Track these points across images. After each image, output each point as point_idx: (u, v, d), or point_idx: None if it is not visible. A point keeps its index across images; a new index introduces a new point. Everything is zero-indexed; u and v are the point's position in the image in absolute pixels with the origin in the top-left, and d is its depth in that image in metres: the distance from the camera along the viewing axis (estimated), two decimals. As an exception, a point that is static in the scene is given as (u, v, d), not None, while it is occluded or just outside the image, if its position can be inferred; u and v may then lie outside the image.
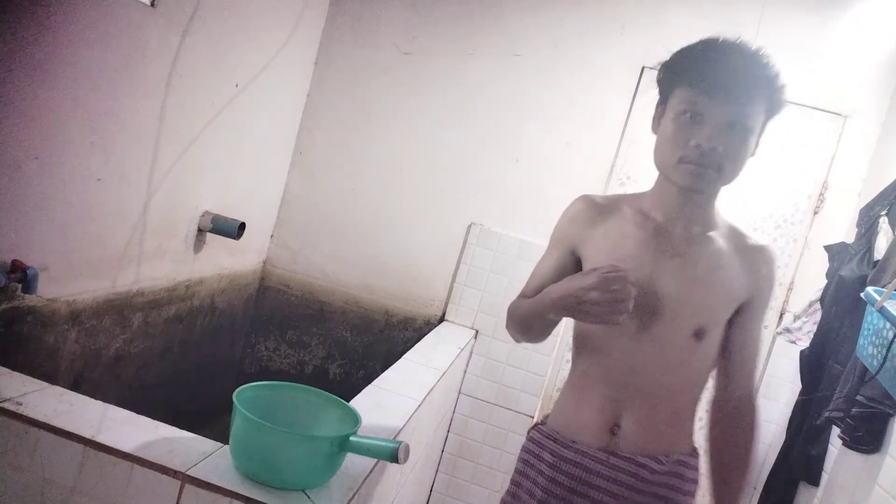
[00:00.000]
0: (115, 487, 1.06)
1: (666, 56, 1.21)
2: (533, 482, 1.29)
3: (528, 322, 1.29)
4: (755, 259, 1.27)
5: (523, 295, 1.34)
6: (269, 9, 2.28)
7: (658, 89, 1.22)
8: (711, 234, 1.25)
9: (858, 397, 1.67)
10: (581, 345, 1.31)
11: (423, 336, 2.42)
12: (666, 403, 1.25)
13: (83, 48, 1.50)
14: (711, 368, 1.30)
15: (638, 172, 2.54)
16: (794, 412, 2.14)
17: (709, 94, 1.11)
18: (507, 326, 1.36)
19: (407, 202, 2.72)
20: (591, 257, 1.27)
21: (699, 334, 1.22)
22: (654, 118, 1.24)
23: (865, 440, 1.65)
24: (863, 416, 1.65)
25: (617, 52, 2.53)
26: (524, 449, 1.35)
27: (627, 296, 1.09)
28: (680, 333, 1.22)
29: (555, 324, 1.27)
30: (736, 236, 1.28)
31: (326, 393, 1.22)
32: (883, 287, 1.62)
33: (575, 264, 1.31)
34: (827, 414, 1.81)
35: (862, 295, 1.52)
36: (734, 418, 1.30)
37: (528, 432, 1.37)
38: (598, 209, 1.30)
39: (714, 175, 1.14)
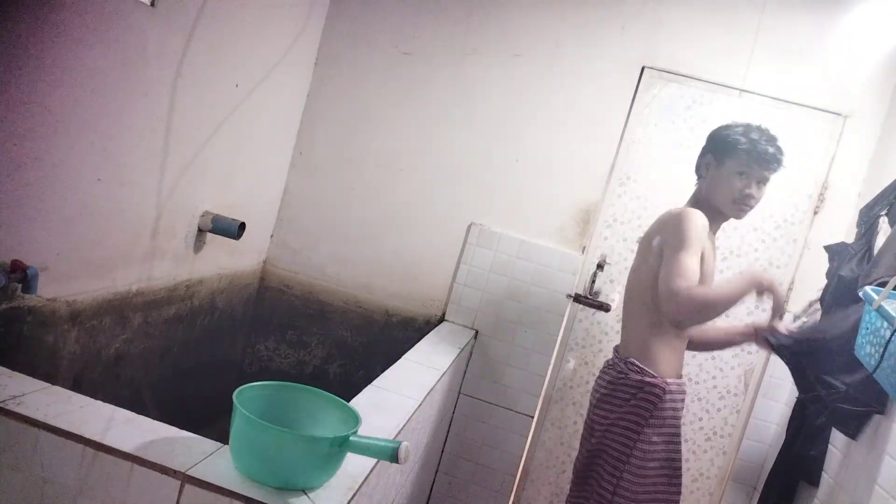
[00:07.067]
0: (115, 487, 1.06)
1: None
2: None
3: (730, 301, 1.72)
4: None
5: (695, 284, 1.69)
6: (268, 8, 2.28)
7: (712, 150, 1.91)
8: None
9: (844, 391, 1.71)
10: None
11: (423, 336, 2.42)
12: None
13: (83, 48, 1.50)
14: None
15: (637, 172, 2.53)
16: (793, 412, 2.14)
17: (757, 162, 1.84)
18: (700, 311, 1.68)
19: (407, 202, 2.72)
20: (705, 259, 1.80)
21: None
22: (702, 165, 1.95)
23: (850, 426, 1.72)
24: (847, 412, 1.70)
25: (617, 52, 2.53)
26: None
27: None
28: None
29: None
30: None
31: (326, 393, 1.22)
32: (873, 281, 1.62)
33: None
34: (802, 397, 1.89)
35: (860, 293, 1.52)
36: None
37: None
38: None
39: (749, 210, 1.90)
